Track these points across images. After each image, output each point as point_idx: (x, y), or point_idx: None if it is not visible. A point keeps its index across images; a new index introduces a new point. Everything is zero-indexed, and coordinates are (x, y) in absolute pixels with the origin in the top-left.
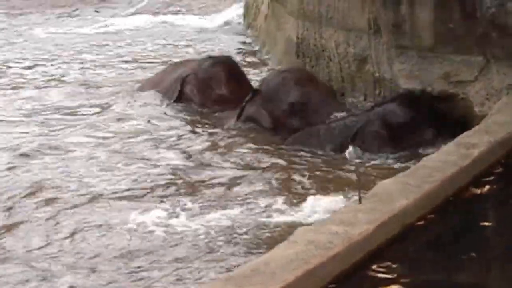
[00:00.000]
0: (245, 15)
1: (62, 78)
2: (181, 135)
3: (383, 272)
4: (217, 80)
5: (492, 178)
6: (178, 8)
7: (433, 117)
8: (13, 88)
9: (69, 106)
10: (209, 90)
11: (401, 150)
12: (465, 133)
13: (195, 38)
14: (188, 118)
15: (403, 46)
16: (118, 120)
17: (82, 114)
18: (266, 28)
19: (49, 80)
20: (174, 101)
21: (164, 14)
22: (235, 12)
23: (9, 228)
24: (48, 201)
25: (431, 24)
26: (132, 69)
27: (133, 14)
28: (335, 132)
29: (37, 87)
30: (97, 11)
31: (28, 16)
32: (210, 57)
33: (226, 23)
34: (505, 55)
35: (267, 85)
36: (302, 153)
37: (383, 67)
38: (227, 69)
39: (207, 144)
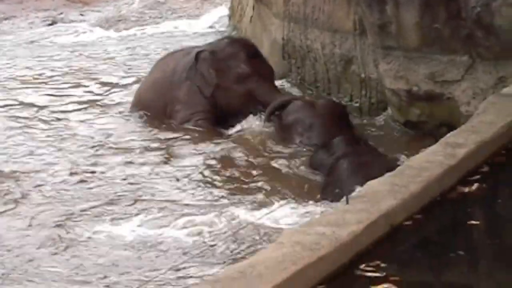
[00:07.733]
0: (230, 17)
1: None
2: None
3: (372, 271)
4: (237, 58)
5: (479, 177)
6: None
7: None
8: None
9: None
10: (227, 69)
11: None
12: (451, 132)
13: (183, 44)
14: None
15: (389, 47)
16: None
17: None
18: (252, 30)
19: None
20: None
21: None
22: (217, 15)
23: None
24: None
25: (416, 24)
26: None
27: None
28: None
29: None
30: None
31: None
32: (224, 38)
33: (210, 27)
34: (491, 54)
35: (286, 114)
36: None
37: (369, 68)
38: (246, 47)
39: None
